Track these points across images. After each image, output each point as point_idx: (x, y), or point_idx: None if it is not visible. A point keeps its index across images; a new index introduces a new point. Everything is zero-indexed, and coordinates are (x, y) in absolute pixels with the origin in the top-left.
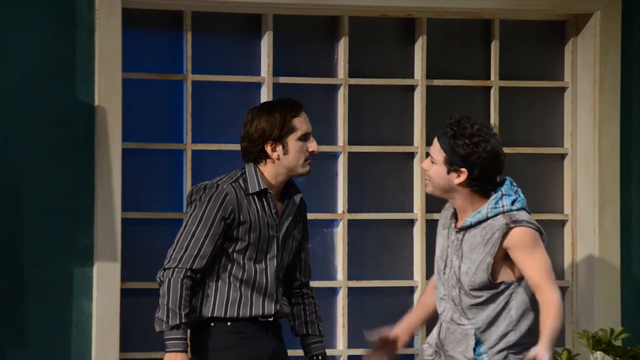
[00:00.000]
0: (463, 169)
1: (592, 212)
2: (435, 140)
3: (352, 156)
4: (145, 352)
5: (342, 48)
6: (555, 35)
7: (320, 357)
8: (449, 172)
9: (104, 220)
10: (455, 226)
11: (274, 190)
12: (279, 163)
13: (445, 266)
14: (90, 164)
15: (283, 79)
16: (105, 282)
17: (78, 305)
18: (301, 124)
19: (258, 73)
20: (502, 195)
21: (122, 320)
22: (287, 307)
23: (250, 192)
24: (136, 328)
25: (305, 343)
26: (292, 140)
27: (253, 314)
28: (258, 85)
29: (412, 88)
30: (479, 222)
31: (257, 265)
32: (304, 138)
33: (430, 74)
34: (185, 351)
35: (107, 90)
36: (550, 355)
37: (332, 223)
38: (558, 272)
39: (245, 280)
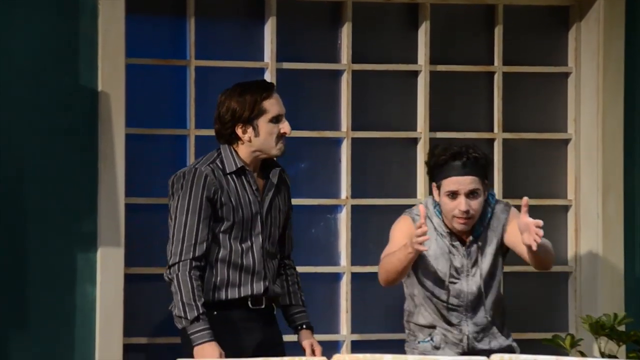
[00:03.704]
0: (487, 182)
1: (596, 198)
2: (469, 177)
3: (355, 142)
4: (149, 337)
5: (346, 33)
6: (559, 20)
7: (304, 326)
8: (484, 193)
9: (107, 205)
10: (465, 240)
11: (250, 167)
12: (251, 145)
13: (458, 281)
14: (94, 149)
15: (286, 65)
16: (108, 267)
17: (82, 291)
18: (272, 105)
19: (261, 59)
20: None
21: (126, 306)
22: (279, 287)
23: (228, 171)
24: (140, 313)
25: (288, 313)
26: (262, 123)
27: (242, 294)
28: (261, 71)
29: (415, 74)
30: (489, 220)
31: (242, 245)
32: (275, 120)
33: (433, 60)
34: (212, 340)
35: (111, 76)
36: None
37: (335, 209)
38: (561, 257)
39: (233, 262)
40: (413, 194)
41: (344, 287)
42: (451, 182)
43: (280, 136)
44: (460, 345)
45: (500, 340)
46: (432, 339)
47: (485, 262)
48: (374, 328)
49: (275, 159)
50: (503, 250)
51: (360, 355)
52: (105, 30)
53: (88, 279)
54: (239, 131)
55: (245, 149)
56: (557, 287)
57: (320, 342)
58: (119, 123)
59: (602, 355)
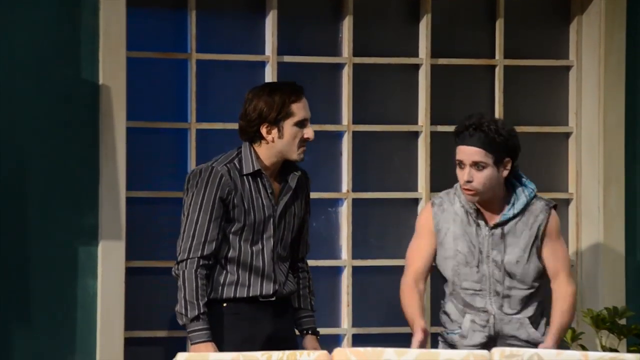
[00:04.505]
0: (508, 159)
1: (597, 191)
2: (472, 147)
3: (356, 135)
4: (150, 330)
5: (347, 27)
6: (560, 13)
7: (309, 332)
8: (498, 169)
9: (108, 199)
10: (487, 222)
11: (269, 170)
12: (273, 146)
13: (479, 263)
14: (95, 143)
15: (287, 58)
16: (110, 260)
17: (83, 284)
18: (299, 109)
19: (262, 52)
20: (525, 179)
21: (127, 299)
22: (293, 284)
23: (245, 172)
24: (141, 307)
25: (296, 317)
26: (288, 125)
27: (250, 294)
28: (262, 64)
29: (416, 67)
30: (522, 210)
31: (253, 247)
32: (300, 124)
33: (434, 53)
34: (210, 340)
35: (112, 69)
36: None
37: (336, 202)
38: None
39: (242, 263)
40: (414, 188)
41: (345, 281)
42: (459, 151)
43: (304, 141)
44: (487, 327)
45: (530, 332)
46: (460, 328)
47: (513, 254)
48: (375, 322)
49: (294, 164)
50: (540, 255)
51: (361, 349)
52: (107, 23)
53: (89, 272)
54: (263, 131)
55: (267, 150)
56: None
57: (321, 336)
58: (120, 116)
59: (603, 348)
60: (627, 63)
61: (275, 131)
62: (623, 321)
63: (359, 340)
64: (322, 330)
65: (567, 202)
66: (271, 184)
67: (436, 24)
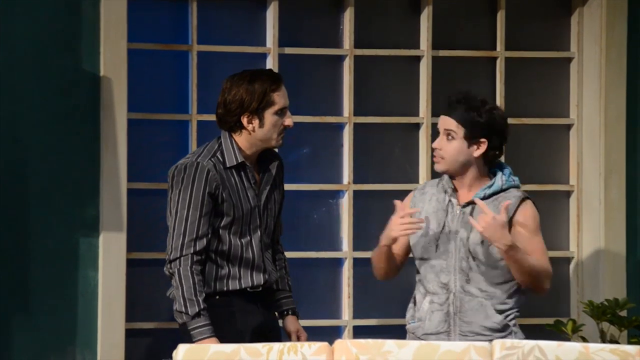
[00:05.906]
0: (483, 140)
1: (598, 183)
2: (447, 117)
3: (357, 127)
4: (151, 322)
5: (348, 18)
6: (561, 5)
7: (290, 312)
8: (469, 145)
9: (109, 190)
10: (459, 201)
11: (250, 159)
12: (254, 135)
13: (447, 240)
14: (96, 134)
15: (288, 50)
16: (110, 252)
17: (84, 276)
18: (280, 98)
19: (263, 44)
20: (510, 172)
21: (128, 291)
22: (276, 273)
23: (228, 165)
24: (142, 298)
25: (275, 298)
26: (268, 114)
27: (243, 286)
28: (263, 56)
29: (417, 59)
30: (492, 194)
31: (242, 240)
32: (280, 113)
33: (436, 45)
34: (213, 335)
35: (113, 61)
36: (507, 238)
37: (337, 194)
38: (563, 242)
39: (232, 256)
40: (415, 180)
41: (346, 273)
42: (439, 120)
43: (283, 129)
44: (445, 304)
45: (489, 313)
46: (418, 310)
47: (478, 233)
48: (376, 313)
49: (272, 150)
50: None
51: (362, 341)
52: (107, 14)
53: (90, 264)
54: (244, 120)
55: (246, 139)
56: (559, 272)
57: (322, 328)
58: (121, 108)
59: (604, 340)
60: (628, 55)
61: (256, 121)
62: (624, 313)
63: (359, 332)
64: (323, 322)
65: (568, 194)
66: (254, 174)
67: (437, 16)
